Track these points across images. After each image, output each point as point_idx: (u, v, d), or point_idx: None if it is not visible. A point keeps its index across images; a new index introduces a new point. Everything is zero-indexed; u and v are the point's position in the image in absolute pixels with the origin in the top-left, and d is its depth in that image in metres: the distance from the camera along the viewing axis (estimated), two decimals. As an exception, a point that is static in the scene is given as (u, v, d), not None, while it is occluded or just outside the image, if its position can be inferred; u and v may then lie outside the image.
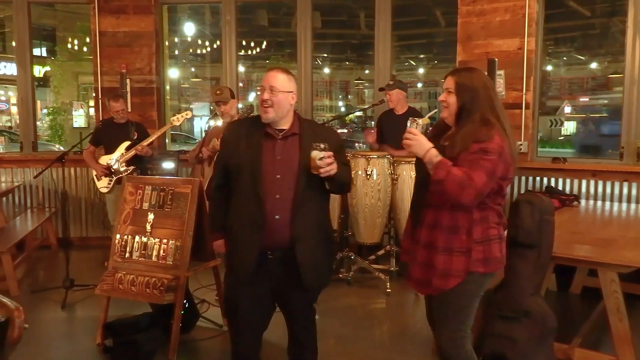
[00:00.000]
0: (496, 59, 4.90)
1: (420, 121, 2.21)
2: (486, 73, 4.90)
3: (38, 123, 19.71)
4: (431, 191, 2.19)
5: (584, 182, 4.95)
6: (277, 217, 2.39)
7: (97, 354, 3.40)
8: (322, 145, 2.32)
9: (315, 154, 2.31)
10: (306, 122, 2.58)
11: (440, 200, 2.19)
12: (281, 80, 2.42)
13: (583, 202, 4.73)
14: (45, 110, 20.34)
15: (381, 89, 5.08)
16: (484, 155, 2.08)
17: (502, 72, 5.13)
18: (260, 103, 2.44)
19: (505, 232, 2.38)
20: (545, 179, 5.09)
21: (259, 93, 2.56)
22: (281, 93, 2.41)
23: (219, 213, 2.61)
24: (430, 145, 2.17)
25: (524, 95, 5.13)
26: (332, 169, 2.33)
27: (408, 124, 2.22)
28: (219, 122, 4.40)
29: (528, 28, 5.07)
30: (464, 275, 2.19)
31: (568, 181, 5.01)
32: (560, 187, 5.01)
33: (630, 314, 3.90)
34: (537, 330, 2.72)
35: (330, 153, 2.32)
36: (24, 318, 1.33)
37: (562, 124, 16.76)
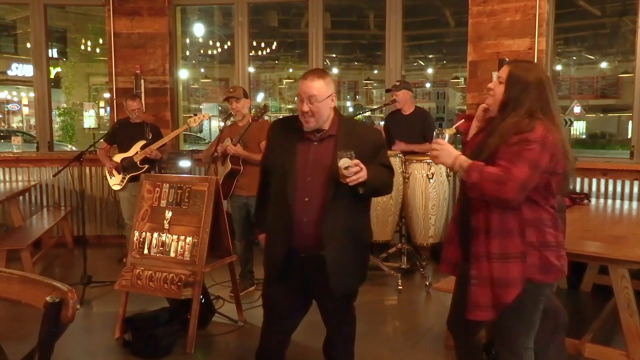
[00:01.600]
0: (507, 59, 4.92)
1: (446, 131, 2.16)
2: (496, 73, 4.97)
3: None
4: (472, 198, 2.10)
5: (594, 181, 4.98)
6: (304, 219, 2.41)
7: (116, 347, 3.48)
8: (347, 153, 2.27)
9: (342, 162, 2.28)
10: (345, 122, 2.51)
11: (485, 204, 2.09)
12: (319, 88, 2.38)
13: (593, 200, 4.76)
14: (56, 111, 20.55)
15: (388, 90, 5.14)
16: (525, 146, 1.97)
17: (512, 71, 5.16)
18: (301, 114, 2.41)
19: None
20: (555, 178, 5.12)
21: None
22: (321, 103, 2.37)
23: (261, 210, 2.71)
24: (458, 152, 2.12)
25: (534, 95, 5.16)
26: (360, 177, 2.29)
27: (434, 135, 2.17)
28: (232, 121, 4.49)
29: (538, 28, 5.11)
30: (521, 284, 2.06)
31: (578, 180, 5.04)
32: (570, 186, 5.03)
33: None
34: (549, 325, 2.76)
35: (356, 162, 2.27)
36: (76, 299, 1.43)
37: (571, 123, 16.73)
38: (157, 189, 3.67)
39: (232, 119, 4.45)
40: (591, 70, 18.02)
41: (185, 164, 5.49)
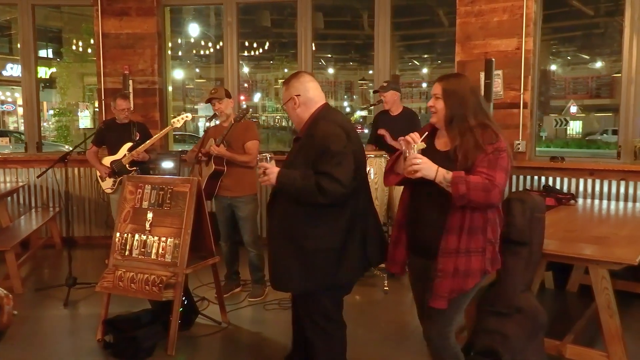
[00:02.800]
0: (493, 59, 4.94)
1: (416, 146, 2.21)
2: (483, 73, 4.97)
3: (45, 124, 19.92)
4: (452, 201, 2.20)
5: (581, 181, 4.98)
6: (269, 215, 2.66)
7: (97, 349, 3.46)
8: (259, 156, 2.46)
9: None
10: (311, 124, 2.52)
11: (461, 207, 2.22)
12: (283, 93, 2.61)
13: (580, 200, 4.76)
14: (51, 112, 20.51)
15: (375, 91, 5.13)
16: (498, 155, 2.21)
17: (500, 72, 5.17)
18: None
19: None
20: (543, 178, 5.12)
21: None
22: (285, 105, 2.61)
23: None
24: (437, 165, 2.20)
25: (521, 95, 5.16)
26: (263, 180, 2.43)
27: (403, 148, 2.24)
28: (217, 123, 4.47)
29: (526, 28, 5.11)
30: (480, 275, 2.30)
31: (566, 180, 5.05)
32: (558, 186, 5.04)
33: (629, 312, 3.96)
34: (528, 326, 2.76)
35: (261, 164, 2.43)
36: (12, 305, 1.41)
37: (567, 123, 16.76)
38: (139, 190, 3.66)
39: (215, 120, 4.43)
40: (585, 70, 18.05)
41: (171, 165, 5.47)
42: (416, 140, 2.22)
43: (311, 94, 2.55)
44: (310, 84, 2.56)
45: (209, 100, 4.28)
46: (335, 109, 2.75)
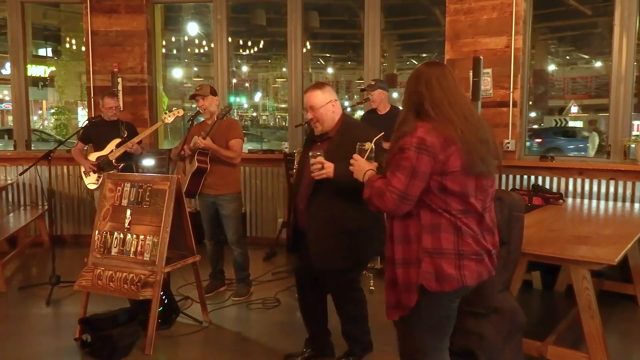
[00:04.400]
0: (481, 57, 4.89)
1: (365, 146, 2.32)
2: (471, 71, 4.93)
3: (45, 122, 19.84)
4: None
5: (570, 181, 4.94)
6: (300, 206, 2.98)
7: (75, 348, 3.43)
8: (311, 153, 2.74)
9: (310, 161, 2.73)
10: (345, 125, 2.94)
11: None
12: (315, 97, 2.90)
13: (570, 200, 4.72)
14: (52, 110, 20.50)
15: (362, 90, 5.10)
16: (400, 154, 1.97)
17: (489, 70, 5.13)
18: (309, 122, 2.99)
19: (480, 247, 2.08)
20: (532, 177, 5.08)
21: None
22: (322, 108, 2.89)
23: None
24: (369, 167, 2.22)
25: (511, 94, 5.12)
26: (322, 173, 2.72)
27: (357, 149, 2.35)
28: (201, 120, 4.44)
29: (515, 26, 5.07)
30: (416, 291, 2.03)
31: (555, 179, 5.00)
32: (547, 185, 5.00)
33: (616, 312, 3.92)
34: (505, 327, 2.72)
35: (318, 160, 2.71)
36: None
37: (566, 123, 16.68)
38: (118, 187, 3.63)
39: (199, 117, 4.40)
40: (585, 70, 17.97)
41: (152, 162, 5.43)
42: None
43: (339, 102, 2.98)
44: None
45: (192, 97, 4.25)
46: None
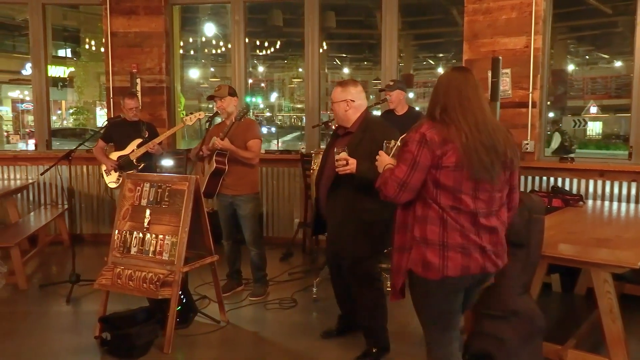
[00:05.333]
0: (500, 57, 4.84)
1: (391, 143, 2.48)
2: (490, 71, 4.88)
3: (64, 122, 20.13)
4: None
5: (591, 182, 4.87)
6: (320, 196, 3.28)
7: (95, 347, 3.47)
8: (336, 149, 2.96)
9: (335, 156, 2.95)
10: (366, 122, 3.14)
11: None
12: (334, 93, 3.20)
13: (590, 202, 4.66)
14: (70, 110, 20.79)
15: (381, 90, 5.08)
16: (404, 147, 2.19)
17: (508, 70, 5.08)
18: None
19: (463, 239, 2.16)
20: (552, 179, 5.02)
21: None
22: (335, 103, 3.18)
23: None
24: (389, 161, 2.36)
25: (530, 94, 5.07)
26: (346, 169, 2.95)
27: (384, 146, 2.51)
28: (219, 120, 4.46)
29: (535, 26, 5.01)
30: (403, 274, 2.24)
31: (575, 181, 4.94)
32: (567, 187, 4.93)
33: (637, 316, 3.86)
34: (524, 330, 2.70)
35: (342, 156, 2.94)
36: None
37: (585, 123, 16.45)
38: (138, 187, 3.66)
39: (217, 118, 4.42)
40: (605, 70, 17.71)
41: (172, 163, 5.47)
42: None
43: (361, 101, 3.17)
44: (361, 94, 3.18)
45: (210, 98, 4.27)
46: (371, 112, 3.42)
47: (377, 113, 5.41)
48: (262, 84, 24.69)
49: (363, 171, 2.90)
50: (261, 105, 25.87)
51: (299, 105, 22.76)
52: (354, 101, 3.13)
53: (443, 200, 2.13)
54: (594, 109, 17.12)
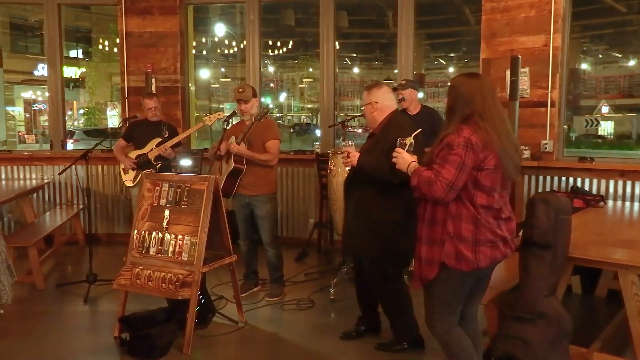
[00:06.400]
0: (519, 56, 4.78)
1: (407, 140, 2.57)
2: (509, 70, 4.83)
3: (75, 122, 20.27)
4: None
5: (611, 182, 4.80)
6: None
7: (114, 347, 3.46)
8: (343, 143, 3.22)
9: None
10: (387, 123, 3.16)
11: (424, 199, 2.44)
12: (363, 95, 3.28)
13: (610, 202, 4.59)
14: (82, 111, 20.91)
15: (394, 89, 5.03)
16: (450, 150, 2.29)
17: (526, 69, 5.03)
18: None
19: (495, 238, 2.38)
20: (571, 179, 4.96)
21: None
22: (364, 107, 3.27)
23: None
24: (412, 159, 2.50)
25: (549, 93, 5.01)
26: (347, 162, 3.13)
27: (398, 143, 2.59)
28: (238, 120, 4.43)
29: (554, 24, 4.95)
30: (438, 266, 2.39)
31: (595, 181, 4.87)
32: (587, 187, 4.87)
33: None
34: (551, 333, 2.65)
35: (345, 149, 3.19)
36: None
37: (598, 123, 16.30)
38: (157, 187, 3.65)
39: (232, 119, 4.39)
40: (618, 69, 17.54)
41: (190, 162, 5.46)
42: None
43: (387, 102, 3.19)
44: (387, 94, 3.20)
45: (236, 101, 4.23)
46: (400, 113, 3.49)
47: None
48: (272, 84, 24.70)
49: (363, 164, 3.04)
50: (270, 105, 25.90)
51: (309, 105, 22.75)
52: (377, 103, 3.19)
53: (479, 199, 2.32)
54: (605, 109, 16.97)
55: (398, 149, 2.56)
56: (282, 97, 26.36)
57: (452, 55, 18.33)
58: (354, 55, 19.70)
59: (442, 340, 2.53)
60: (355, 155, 3.07)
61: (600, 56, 16.80)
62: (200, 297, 3.62)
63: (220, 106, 19.74)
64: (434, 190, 2.29)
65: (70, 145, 5.96)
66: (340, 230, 4.85)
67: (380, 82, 3.41)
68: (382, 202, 3.08)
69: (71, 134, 15.68)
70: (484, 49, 5.31)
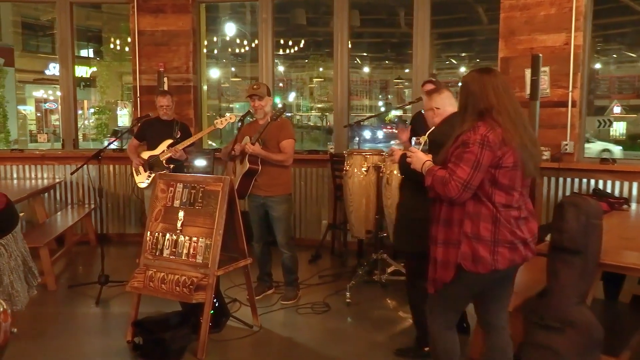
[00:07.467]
0: (540, 55, 4.67)
1: (421, 139, 2.57)
2: (529, 69, 4.71)
3: (85, 122, 20.33)
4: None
5: (634, 184, 4.67)
6: None
7: (127, 351, 3.39)
8: (395, 143, 3.32)
9: None
10: (442, 122, 3.07)
11: (439, 198, 2.35)
12: (424, 101, 3.27)
13: (634, 205, 4.47)
14: (92, 110, 20.94)
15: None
16: (465, 148, 2.21)
17: (546, 68, 4.91)
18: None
19: (514, 238, 2.28)
20: (592, 181, 4.84)
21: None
22: (425, 112, 3.23)
23: None
24: (427, 158, 2.45)
25: (570, 93, 4.89)
26: (391, 159, 3.31)
27: (412, 142, 2.59)
28: (252, 119, 4.36)
29: (575, 22, 4.83)
30: (453, 268, 2.29)
31: (617, 183, 4.75)
32: (609, 190, 4.74)
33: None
34: (581, 342, 2.55)
35: (391, 147, 3.39)
36: (10, 321, 1.22)
37: (610, 124, 16.07)
38: (170, 188, 3.57)
39: (248, 118, 4.32)
40: (632, 69, 17.30)
41: (204, 163, 5.39)
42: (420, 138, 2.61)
43: (447, 107, 3.11)
44: (448, 100, 3.13)
45: (250, 96, 4.15)
46: (453, 115, 3.35)
47: (396, 113, 5.27)
48: (281, 84, 24.63)
49: (400, 161, 3.09)
50: (279, 105, 25.84)
51: (319, 105, 22.63)
52: (439, 108, 3.16)
53: (497, 198, 2.24)
54: (617, 109, 16.74)
55: (412, 148, 2.54)
56: (292, 96, 26.29)
57: (463, 54, 18.15)
58: (365, 54, 19.58)
59: (435, 338, 2.51)
60: (397, 153, 3.12)
61: (614, 56, 16.57)
62: (215, 300, 3.54)
63: (230, 106, 19.68)
64: (448, 189, 2.21)
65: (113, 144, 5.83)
66: (355, 232, 4.79)
67: (440, 86, 3.41)
68: (421, 202, 2.97)
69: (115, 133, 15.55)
70: (502, 48, 5.20)
